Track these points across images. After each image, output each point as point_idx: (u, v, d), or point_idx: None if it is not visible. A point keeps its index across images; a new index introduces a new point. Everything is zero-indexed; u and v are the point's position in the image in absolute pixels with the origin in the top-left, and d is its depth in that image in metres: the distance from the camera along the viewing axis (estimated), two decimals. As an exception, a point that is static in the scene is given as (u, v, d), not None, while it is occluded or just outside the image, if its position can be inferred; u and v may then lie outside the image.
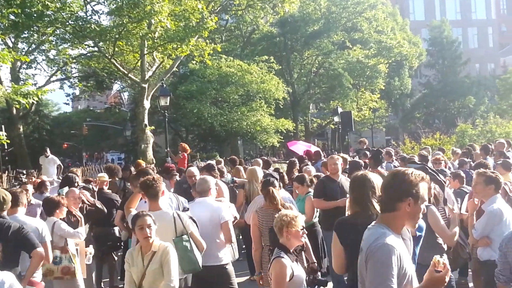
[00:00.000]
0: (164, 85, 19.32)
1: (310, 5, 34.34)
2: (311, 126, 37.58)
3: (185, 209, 5.81)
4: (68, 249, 5.78)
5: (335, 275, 6.36)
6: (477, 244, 5.40)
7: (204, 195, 5.68)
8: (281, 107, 31.19)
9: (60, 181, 10.78)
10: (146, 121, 20.24)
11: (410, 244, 3.09)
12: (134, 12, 17.67)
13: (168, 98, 18.13)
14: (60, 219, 5.98)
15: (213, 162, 10.38)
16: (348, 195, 4.19)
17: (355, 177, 3.82)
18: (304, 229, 4.40)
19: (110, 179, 8.74)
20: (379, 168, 8.48)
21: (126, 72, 20.92)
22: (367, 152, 12.70)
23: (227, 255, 5.61)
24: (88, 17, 19.92)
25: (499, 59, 58.33)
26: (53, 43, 23.78)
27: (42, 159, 16.36)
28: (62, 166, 17.55)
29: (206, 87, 26.41)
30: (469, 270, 7.03)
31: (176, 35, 18.47)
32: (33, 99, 13.05)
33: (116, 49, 19.41)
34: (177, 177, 9.65)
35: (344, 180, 7.12)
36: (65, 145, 44.80)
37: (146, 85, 20.14)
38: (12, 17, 17.45)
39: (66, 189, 7.09)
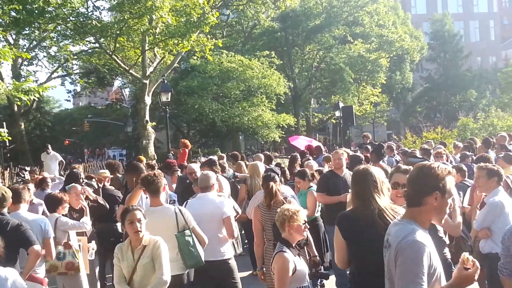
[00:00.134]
0: (165, 81, 19.31)
1: (311, -1, 34.30)
2: (312, 121, 37.55)
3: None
4: (72, 245, 5.80)
5: (338, 269, 6.38)
6: (478, 236, 5.41)
7: (206, 191, 5.68)
8: (282, 102, 31.17)
9: (61, 177, 10.83)
10: (147, 117, 20.25)
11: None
12: (135, 7, 17.66)
13: (169, 94, 18.12)
14: (63, 215, 6.00)
15: (214, 157, 10.39)
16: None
17: (356, 171, 3.80)
18: (306, 223, 4.41)
19: (112, 175, 8.75)
20: (380, 162, 8.47)
21: (127, 68, 20.92)
22: (369, 147, 12.69)
23: (230, 250, 5.63)
24: (89, 13, 19.92)
25: (501, 52, 58.19)
26: (54, 39, 23.81)
27: (44, 156, 16.38)
28: (64, 162, 17.57)
29: (207, 83, 26.39)
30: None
31: (177, 31, 18.45)
32: (34, 96, 13.05)
33: (117, 45, 19.41)
34: (179, 173, 9.66)
35: (349, 175, 7.10)
36: (67, 142, 44.82)
37: (147, 81, 20.14)
38: (13, 13, 17.43)
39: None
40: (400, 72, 41.25)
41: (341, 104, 24.61)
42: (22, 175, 12.32)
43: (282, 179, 7.46)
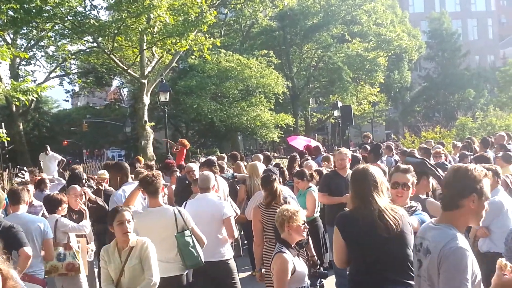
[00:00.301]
0: (164, 81, 19.30)
1: (309, -2, 34.30)
2: (311, 120, 37.55)
3: None
4: (72, 246, 5.79)
5: (338, 270, 6.37)
6: (477, 235, 5.42)
7: (206, 191, 5.68)
8: (281, 101, 31.16)
9: (60, 178, 10.81)
10: (146, 117, 20.23)
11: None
12: (133, 6, 17.63)
13: (168, 93, 18.12)
14: (62, 216, 5.99)
15: (213, 157, 10.38)
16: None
17: (356, 171, 3.77)
18: (306, 224, 4.41)
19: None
20: (378, 162, 8.47)
21: (125, 68, 20.88)
22: (367, 146, 12.69)
23: (229, 250, 5.63)
24: (87, 12, 19.89)
25: (499, 51, 58.22)
26: (52, 39, 23.77)
27: (43, 157, 16.34)
28: (65, 160, 17.55)
29: (206, 82, 26.38)
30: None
31: (175, 30, 18.42)
32: (33, 96, 13.02)
33: (115, 44, 19.37)
34: (178, 173, 9.64)
35: (351, 176, 7.08)
36: (65, 142, 44.78)
37: (145, 81, 20.11)
38: (10, 12, 17.41)
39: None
40: (398, 71, 41.27)
41: (339, 104, 24.62)
42: (22, 176, 12.30)
43: (281, 180, 7.45)
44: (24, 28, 21.92)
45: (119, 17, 18.61)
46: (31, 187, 7.81)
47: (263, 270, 5.39)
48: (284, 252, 4.17)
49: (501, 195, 5.33)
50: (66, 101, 50.60)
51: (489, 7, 59.84)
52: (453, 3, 58.22)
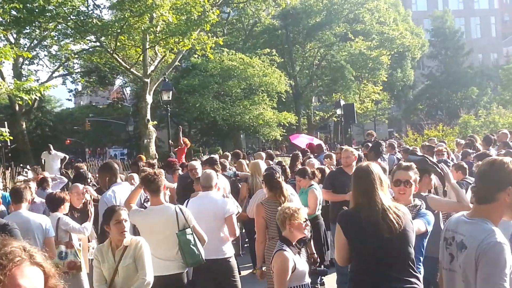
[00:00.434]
0: (166, 80, 19.30)
1: (312, -4, 34.27)
2: (313, 119, 37.53)
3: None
4: (74, 244, 5.80)
5: (339, 267, 6.37)
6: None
7: (208, 189, 5.68)
8: (284, 100, 31.16)
9: (62, 177, 10.83)
10: (148, 116, 20.25)
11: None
12: (136, 6, 17.66)
13: (171, 92, 18.10)
14: (64, 214, 5.99)
15: (216, 156, 10.38)
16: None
17: (359, 168, 3.73)
18: (307, 222, 4.40)
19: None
20: (379, 160, 8.45)
21: (128, 67, 20.92)
22: (370, 144, 12.67)
23: (231, 248, 5.63)
24: (90, 12, 19.96)
25: (502, 49, 58.08)
26: (55, 38, 23.85)
27: (45, 155, 16.40)
28: (67, 157, 17.61)
29: (208, 81, 26.39)
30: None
31: (177, 29, 18.44)
32: (36, 95, 13.07)
33: (118, 43, 19.41)
34: (180, 172, 9.65)
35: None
36: (68, 141, 44.85)
37: (148, 80, 20.13)
38: (13, 12, 17.46)
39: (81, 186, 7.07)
40: (401, 70, 41.21)
41: (342, 102, 24.57)
42: (25, 175, 12.33)
43: (283, 177, 7.45)
44: (27, 28, 21.96)
45: (122, 16, 18.64)
46: (33, 185, 7.83)
47: (264, 268, 5.38)
48: (285, 250, 4.16)
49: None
50: (69, 100, 50.72)
51: (492, 5, 59.69)
52: (456, 1, 58.13)
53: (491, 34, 59.71)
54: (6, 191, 9.30)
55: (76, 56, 26.15)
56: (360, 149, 13.64)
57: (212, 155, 11.07)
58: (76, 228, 5.93)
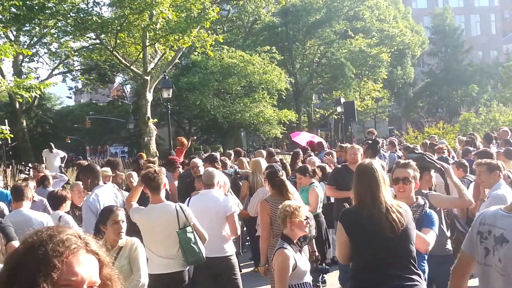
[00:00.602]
0: (167, 77, 19.28)
1: (312, -7, 34.23)
2: (314, 116, 37.52)
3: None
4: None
5: (341, 265, 6.38)
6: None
7: (210, 187, 5.67)
8: (284, 98, 31.16)
9: (62, 175, 10.83)
10: (149, 114, 20.23)
11: None
12: (135, 3, 17.63)
13: (171, 90, 18.08)
14: (65, 212, 5.99)
15: (217, 154, 10.37)
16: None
17: (362, 166, 3.70)
18: (308, 219, 4.39)
19: (113, 174, 8.71)
20: (376, 158, 8.44)
21: (128, 65, 20.89)
22: (370, 142, 12.66)
23: (232, 246, 5.62)
24: (90, 9, 19.91)
25: (502, 46, 58.03)
26: (55, 35, 23.79)
27: (46, 153, 16.41)
28: (66, 155, 17.62)
29: (209, 79, 26.37)
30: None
31: (177, 26, 18.40)
32: (36, 93, 13.06)
33: (118, 41, 19.38)
34: (180, 170, 9.65)
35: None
36: (68, 139, 44.84)
37: (148, 78, 20.11)
38: (13, 9, 17.43)
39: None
40: (401, 67, 41.20)
41: (342, 100, 24.52)
42: (27, 173, 12.34)
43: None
44: (27, 25, 21.94)
45: (122, 13, 18.61)
46: (31, 183, 7.83)
47: (267, 265, 5.38)
48: (286, 248, 4.15)
49: (504, 188, 5.34)
50: (69, 98, 50.53)
51: (492, 3, 59.62)
52: (456, -1, 58.11)
53: (491, 32, 59.67)
54: (7, 189, 9.30)
55: (76, 53, 26.11)
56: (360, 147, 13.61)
57: (212, 153, 11.06)
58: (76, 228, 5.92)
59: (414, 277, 3.39)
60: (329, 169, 8.40)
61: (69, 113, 49.83)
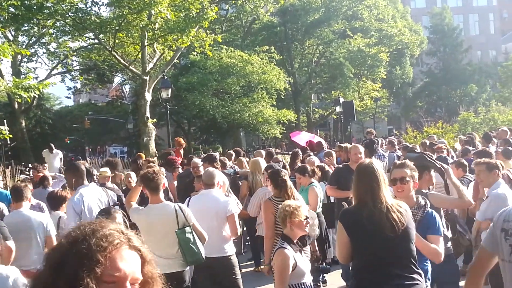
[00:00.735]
0: (165, 77, 19.26)
1: (310, -7, 34.20)
2: (313, 116, 37.51)
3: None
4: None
5: (343, 265, 6.39)
6: (481, 228, 5.41)
7: (210, 187, 5.67)
8: (283, 97, 31.14)
9: (61, 175, 10.81)
10: (148, 114, 20.21)
11: None
12: (134, 3, 17.61)
13: (170, 90, 18.07)
14: (65, 213, 5.98)
15: (216, 154, 10.37)
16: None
17: (362, 165, 3.71)
18: (308, 219, 4.39)
19: (112, 174, 8.71)
20: (373, 158, 8.45)
21: (127, 64, 20.86)
22: (368, 141, 12.66)
23: (232, 246, 5.62)
24: (88, 9, 19.85)
25: (501, 46, 58.06)
26: (54, 35, 23.78)
27: (46, 154, 16.41)
28: (62, 157, 17.62)
29: (207, 79, 26.34)
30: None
31: (176, 26, 18.39)
32: (35, 93, 13.02)
33: (117, 41, 19.35)
34: (180, 170, 9.64)
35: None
36: (67, 140, 44.80)
37: (147, 78, 20.09)
38: (12, 9, 17.41)
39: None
40: (400, 67, 41.19)
41: (341, 100, 24.54)
42: (27, 173, 12.32)
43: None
44: (26, 25, 21.93)
45: (120, 13, 18.58)
46: (29, 185, 7.78)
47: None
48: (286, 248, 4.15)
49: (503, 187, 5.34)
50: (68, 98, 50.64)
51: (490, 2, 59.66)
52: (454, -2, 58.14)
53: (490, 31, 59.70)
54: (7, 190, 9.28)
55: (75, 53, 26.09)
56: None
57: (211, 153, 11.06)
58: None
59: (415, 276, 3.40)
60: (328, 169, 8.40)
61: (68, 113, 49.81)
